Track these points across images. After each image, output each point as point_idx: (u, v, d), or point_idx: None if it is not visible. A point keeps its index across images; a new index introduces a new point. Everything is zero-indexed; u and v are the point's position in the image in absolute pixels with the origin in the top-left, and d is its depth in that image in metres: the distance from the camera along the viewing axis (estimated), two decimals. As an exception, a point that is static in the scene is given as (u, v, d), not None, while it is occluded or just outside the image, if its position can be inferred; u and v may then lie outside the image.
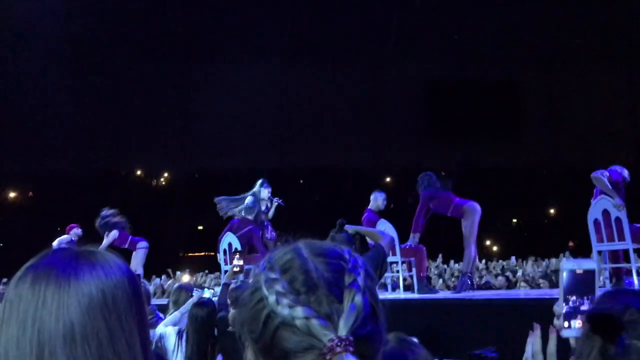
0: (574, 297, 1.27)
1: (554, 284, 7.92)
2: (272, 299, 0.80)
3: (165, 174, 25.84)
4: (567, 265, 1.29)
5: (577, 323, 1.26)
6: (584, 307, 1.27)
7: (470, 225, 6.53)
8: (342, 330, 0.77)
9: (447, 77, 20.04)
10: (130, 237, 8.61)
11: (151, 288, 11.39)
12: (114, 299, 0.85)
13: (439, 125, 20.90)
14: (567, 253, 13.76)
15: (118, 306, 0.85)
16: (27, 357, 0.80)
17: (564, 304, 1.27)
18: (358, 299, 0.80)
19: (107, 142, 20.79)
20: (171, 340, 3.53)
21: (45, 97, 19.02)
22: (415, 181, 7.15)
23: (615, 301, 1.21)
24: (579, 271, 1.28)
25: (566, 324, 1.27)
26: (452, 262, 12.08)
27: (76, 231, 8.33)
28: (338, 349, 0.75)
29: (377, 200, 7.28)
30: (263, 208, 8.05)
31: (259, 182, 8.16)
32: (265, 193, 8.12)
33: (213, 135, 21.17)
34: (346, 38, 19.53)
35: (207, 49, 19.92)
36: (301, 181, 23.03)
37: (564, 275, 1.27)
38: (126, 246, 8.53)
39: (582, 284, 1.28)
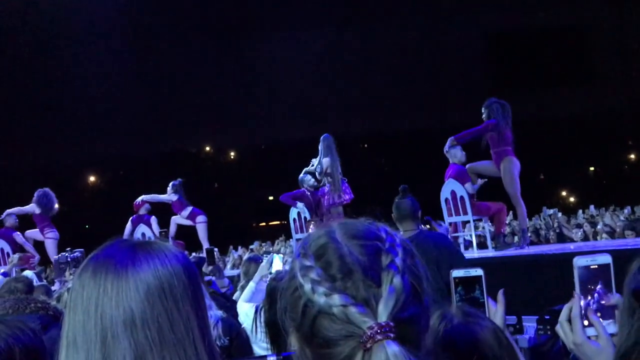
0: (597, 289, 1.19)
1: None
2: (307, 287, 0.77)
3: (233, 148, 26.32)
4: (581, 262, 1.21)
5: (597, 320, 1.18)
6: (607, 302, 1.19)
7: (511, 181, 6.23)
8: (382, 316, 0.74)
9: (511, 25, 19.18)
10: (192, 207, 8.65)
11: (229, 259, 11.71)
12: (170, 285, 0.89)
13: (505, 78, 20.11)
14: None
15: (174, 292, 0.89)
16: (93, 341, 0.86)
17: (581, 302, 1.19)
18: (397, 280, 0.76)
19: (174, 122, 21.29)
20: (249, 318, 3.54)
21: (111, 84, 19.61)
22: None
23: None
24: (593, 266, 1.20)
25: (586, 322, 1.19)
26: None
27: (146, 206, 8.66)
28: (378, 337, 0.73)
29: (456, 156, 6.85)
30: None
31: (322, 138, 7.77)
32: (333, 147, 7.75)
33: (276, 107, 21.30)
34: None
35: (262, 21, 19.93)
36: (365, 146, 22.90)
37: (575, 273, 1.20)
38: (185, 216, 8.61)
39: (597, 279, 1.19)
